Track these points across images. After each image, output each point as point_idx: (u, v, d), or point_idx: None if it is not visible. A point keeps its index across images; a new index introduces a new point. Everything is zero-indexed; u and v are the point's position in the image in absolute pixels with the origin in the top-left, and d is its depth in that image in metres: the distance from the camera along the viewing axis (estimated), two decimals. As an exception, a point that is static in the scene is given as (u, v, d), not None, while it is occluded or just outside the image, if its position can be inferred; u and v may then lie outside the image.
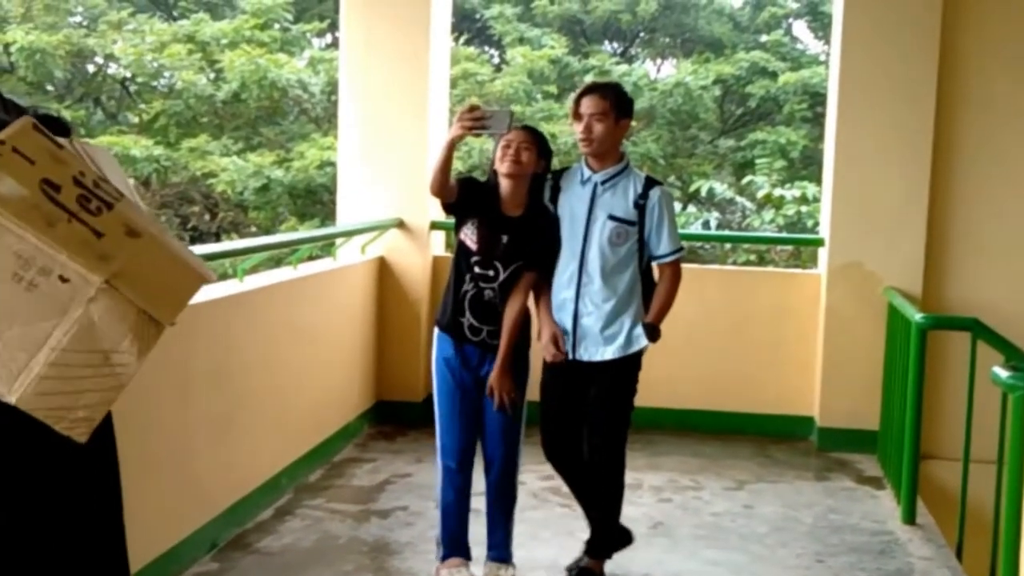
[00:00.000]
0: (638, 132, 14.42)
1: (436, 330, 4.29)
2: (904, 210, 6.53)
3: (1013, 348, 4.56)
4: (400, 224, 6.80)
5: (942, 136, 6.55)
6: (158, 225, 2.30)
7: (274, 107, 14.42)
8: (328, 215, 12.64)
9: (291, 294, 5.49)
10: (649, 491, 5.69)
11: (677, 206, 13.59)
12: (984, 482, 4.61)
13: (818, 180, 9.61)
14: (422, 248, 6.85)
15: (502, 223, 4.12)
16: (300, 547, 4.71)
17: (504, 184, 4.12)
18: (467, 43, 16.37)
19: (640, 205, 4.21)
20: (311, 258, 6.51)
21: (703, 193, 13.06)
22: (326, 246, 6.61)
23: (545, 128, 11.00)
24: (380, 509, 5.24)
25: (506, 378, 4.16)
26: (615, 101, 4.19)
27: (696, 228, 12.76)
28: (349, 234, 6.46)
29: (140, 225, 2.18)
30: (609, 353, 4.23)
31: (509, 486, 4.31)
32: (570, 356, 4.26)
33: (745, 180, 13.34)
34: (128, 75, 15.74)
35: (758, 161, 13.60)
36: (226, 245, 5.92)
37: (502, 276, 4.13)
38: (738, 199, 13.58)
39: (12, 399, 2.01)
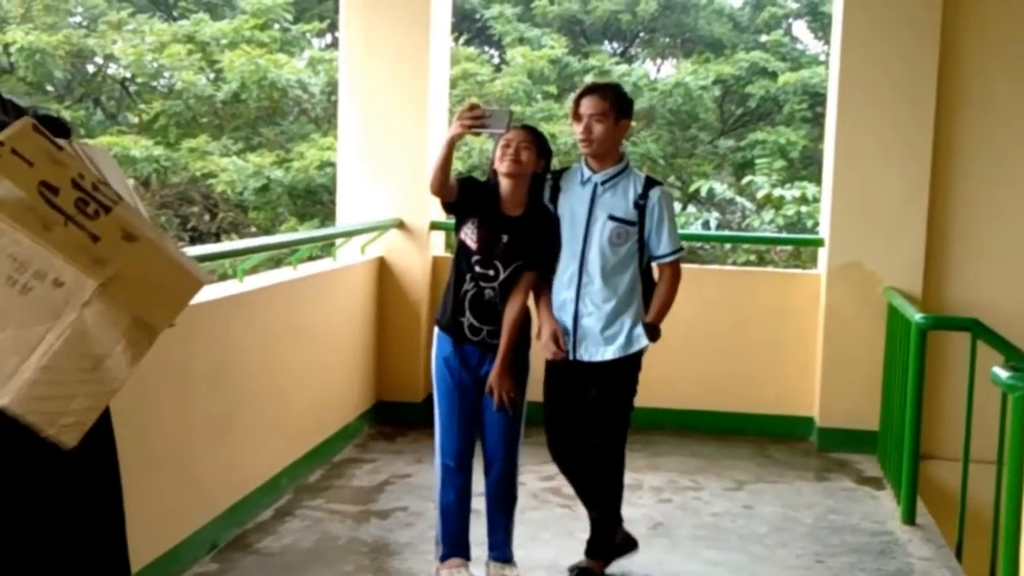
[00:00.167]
0: (638, 132, 14.40)
1: (436, 330, 4.29)
2: (904, 210, 6.52)
3: (1013, 348, 4.56)
4: (400, 224, 6.79)
5: (942, 136, 6.55)
6: (156, 229, 2.30)
7: (274, 107, 14.39)
8: (328, 215, 12.62)
9: (291, 294, 5.49)
10: (649, 492, 5.68)
11: (677, 206, 13.57)
12: (984, 482, 4.60)
13: (818, 180, 9.60)
14: (422, 248, 6.84)
15: (502, 223, 4.12)
16: (300, 548, 4.70)
17: (504, 184, 4.13)
18: (467, 43, 16.35)
19: (640, 205, 4.22)
20: (311, 258, 6.50)
21: (703, 193, 13.04)
22: (326, 246, 6.60)
23: (545, 128, 10.97)
24: (380, 510, 5.23)
25: (506, 378, 4.16)
26: (615, 102, 4.20)
27: (696, 228, 12.74)
28: (349, 234, 6.46)
29: (137, 229, 2.17)
30: (610, 353, 4.24)
31: (509, 486, 4.31)
32: (570, 356, 4.26)
33: (745, 180, 13.32)
34: (128, 75, 15.72)
35: (758, 161, 13.58)
36: (226, 245, 5.91)
37: (502, 276, 4.14)
38: (738, 199, 13.56)
39: (2, 402, 2.00)
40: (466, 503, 4.28)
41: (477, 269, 4.13)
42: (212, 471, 4.60)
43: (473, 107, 3.89)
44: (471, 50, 15.73)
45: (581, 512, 4.57)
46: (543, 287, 4.29)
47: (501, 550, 4.31)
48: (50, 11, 15.66)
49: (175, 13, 17.05)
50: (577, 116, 4.22)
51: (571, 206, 4.25)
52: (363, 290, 6.60)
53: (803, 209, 11.41)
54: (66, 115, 12.38)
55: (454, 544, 4.28)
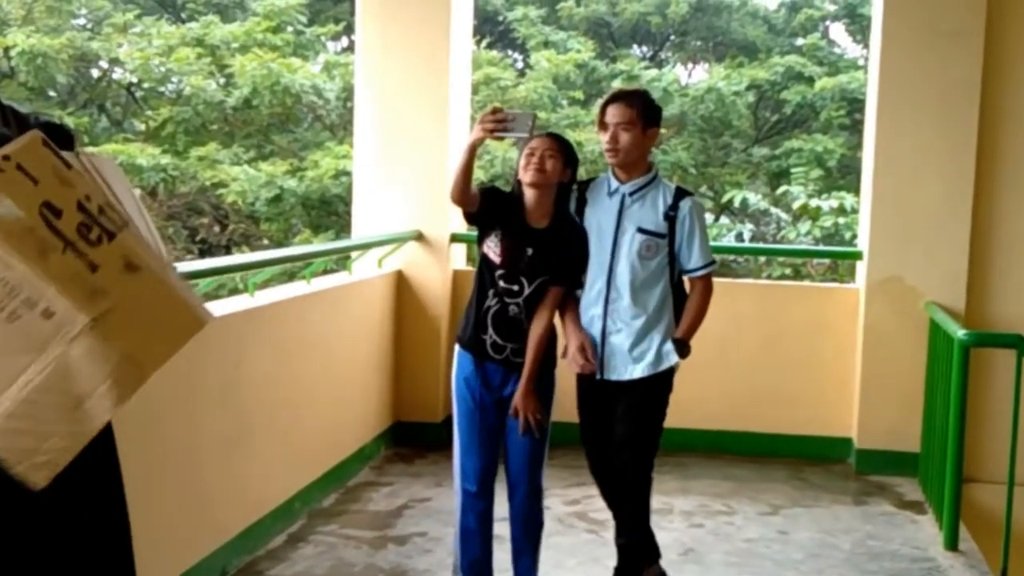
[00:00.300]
0: (668, 140, 14.39)
1: (456, 347, 4.19)
2: (946, 222, 6.43)
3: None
4: (419, 236, 6.72)
5: (985, 145, 6.45)
6: (161, 259, 2.22)
7: (287, 114, 14.26)
8: (343, 227, 12.60)
9: (304, 309, 5.43)
10: (679, 516, 5.62)
11: (709, 217, 13.59)
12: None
13: (856, 190, 9.57)
14: (442, 262, 6.76)
15: (527, 235, 4.02)
16: (314, 575, 4.63)
17: (528, 194, 4.03)
18: (489, 47, 16.26)
19: (670, 217, 4.20)
20: (325, 272, 6.44)
21: (736, 204, 12.97)
22: (341, 259, 6.54)
23: (571, 136, 10.88)
24: (397, 535, 5.16)
25: (531, 399, 4.04)
26: (642, 109, 4.17)
27: (729, 240, 12.76)
28: (365, 247, 6.41)
29: (141, 259, 2.10)
30: (638, 372, 4.19)
31: (535, 511, 4.20)
32: (598, 375, 4.22)
33: (780, 190, 13.27)
34: (134, 80, 15.58)
35: (794, 170, 13.53)
36: (237, 258, 5.93)
37: (527, 291, 4.02)
38: (772, 210, 13.52)
39: None
40: (487, 529, 4.18)
41: (501, 284, 4.02)
42: (222, 494, 4.54)
43: (495, 110, 3.81)
44: (494, 54, 15.61)
45: (608, 538, 4.54)
46: (570, 302, 4.22)
47: (529, 578, 4.23)
48: (53, 13, 15.62)
49: (183, 15, 16.87)
50: (603, 125, 4.20)
51: (598, 219, 4.21)
52: (380, 305, 6.51)
53: (841, 220, 11.32)
54: (69, 122, 12.28)
55: (474, 572, 4.17)
